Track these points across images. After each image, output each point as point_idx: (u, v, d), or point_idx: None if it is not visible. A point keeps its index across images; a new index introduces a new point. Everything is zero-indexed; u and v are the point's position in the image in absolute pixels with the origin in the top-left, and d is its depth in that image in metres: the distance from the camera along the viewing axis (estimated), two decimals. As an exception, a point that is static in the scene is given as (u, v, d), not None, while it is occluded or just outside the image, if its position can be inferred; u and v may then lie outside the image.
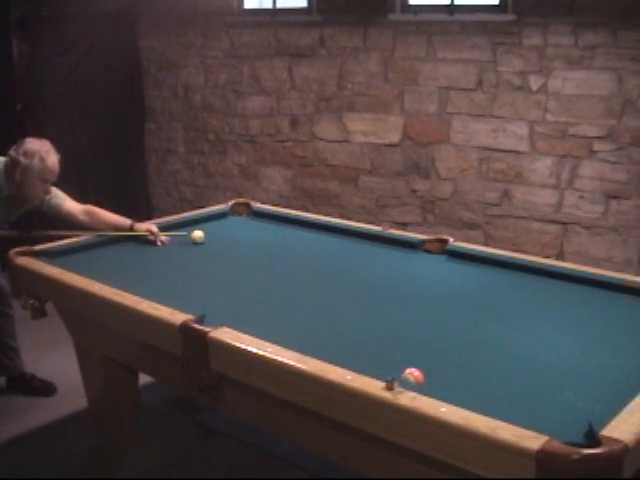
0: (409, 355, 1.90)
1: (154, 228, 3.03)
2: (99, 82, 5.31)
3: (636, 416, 1.52)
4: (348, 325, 2.15)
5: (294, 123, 4.96)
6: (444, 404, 1.55)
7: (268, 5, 5.05)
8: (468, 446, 1.47)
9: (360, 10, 4.49)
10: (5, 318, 3.35)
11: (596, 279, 2.45)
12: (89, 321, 2.51)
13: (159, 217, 3.77)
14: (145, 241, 2.99)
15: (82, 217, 3.09)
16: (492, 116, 4.12)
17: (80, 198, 3.22)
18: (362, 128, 4.63)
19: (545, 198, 4.02)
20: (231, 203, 3.51)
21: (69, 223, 3.13)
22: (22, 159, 2.94)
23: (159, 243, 2.99)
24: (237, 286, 2.52)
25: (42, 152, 2.95)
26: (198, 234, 3.00)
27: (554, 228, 4.02)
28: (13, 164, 2.97)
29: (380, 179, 4.62)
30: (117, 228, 3.04)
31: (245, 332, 1.96)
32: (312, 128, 4.86)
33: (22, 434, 3.11)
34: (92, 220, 3.08)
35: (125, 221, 3.06)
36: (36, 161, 2.93)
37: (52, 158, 2.98)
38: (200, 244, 2.98)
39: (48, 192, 3.04)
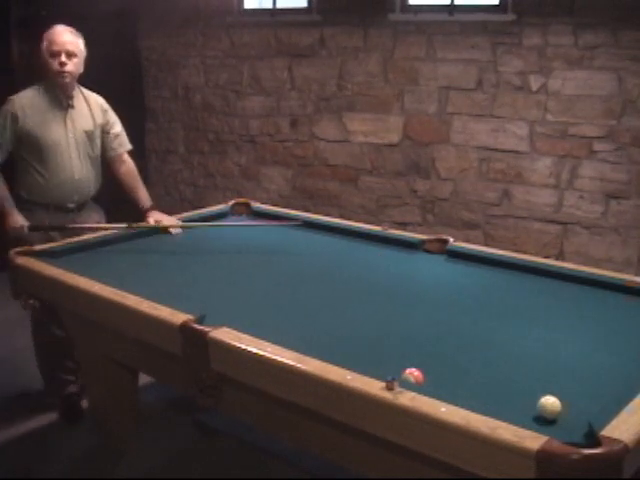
0: (409, 355, 1.90)
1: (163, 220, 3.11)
2: (99, 82, 5.31)
3: (636, 416, 1.52)
4: (348, 325, 2.15)
5: (294, 123, 4.96)
6: (444, 404, 1.55)
7: (268, 5, 5.06)
8: (468, 446, 1.47)
9: (360, 10, 4.49)
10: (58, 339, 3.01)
11: (596, 279, 2.45)
12: (89, 321, 2.51)
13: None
14: (145, 241, 2.99)
15: (121, 172, 3.26)
16: (492, 116, 4.12)
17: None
18: (362, 128, 4.63)
19: (545, 198, 4.02)
20: (231, 203, 3.51)
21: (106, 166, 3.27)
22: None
23: (172, 232, 3.08)
24: (237, 286, 2.52)
25: (48, 32, 3.04)
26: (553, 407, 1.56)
27: (554, 228, 4.02)
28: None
29: (380, 179, 4.62)
30: (135, 201, 3.20)
31: (245, 332, 1.96)
32: (312, 128, 4.86)
33: (22, 434, 3.11)
34: (125, 180, 3.26)
35: (145, 202, 3.20)
36: (44, 42, 3.03)
37: (54, 31, 3.04)
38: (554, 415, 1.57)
39: (63, 65, 3.01)
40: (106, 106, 3.29)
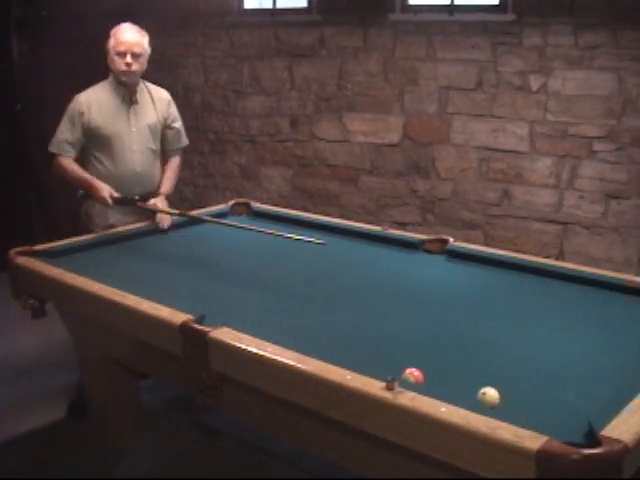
0: (409, 355, 1.90)
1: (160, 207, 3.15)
2: (99, 82, 5.31)
3: (636, 416, 1.52)
4: (348, 325, 2.15)
5: (294, 123, 4.96)
6: (444, 404, 1.55)
7: (268, 5, 5.06)
8: (468, 446, 1.47)
9: (360, 10, 4.49)
10: None
11: (596, 279, 2.45)
12: (89, 321, 2.51)
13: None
14: (145, 241, 3.00)
15: (167, 164, 3.33)
16: (492, 116, 4.12)
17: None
18: (362, 128, 4.63)
19: (545, 198, 4.02)
20: (231, 203, 3.51)
21: None
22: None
23: (160, 227, 3.11)
24: (237, 286, 2.52)
25: (115, 30, 3.10)
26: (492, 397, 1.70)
27: (554, 228, 4.02)
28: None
29: (380, 179, 4.62)
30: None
31: (245, 332, 1.96)
32: (312, 128, 4.86)
33: (22, 434, 3.11)
34: (165, 169, 3.33)
35: (164, 189, 3.27)
36: (111, 40, 3.08)
37: (121, 30, 3.10)
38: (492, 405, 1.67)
39: (129, 65, 3.05)
40: (170, 100, 3.38)
